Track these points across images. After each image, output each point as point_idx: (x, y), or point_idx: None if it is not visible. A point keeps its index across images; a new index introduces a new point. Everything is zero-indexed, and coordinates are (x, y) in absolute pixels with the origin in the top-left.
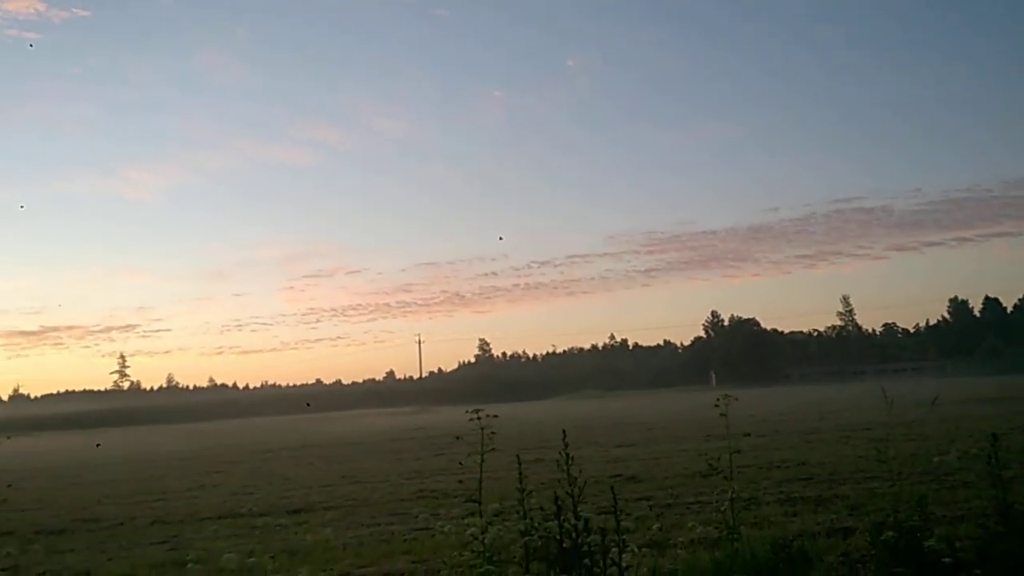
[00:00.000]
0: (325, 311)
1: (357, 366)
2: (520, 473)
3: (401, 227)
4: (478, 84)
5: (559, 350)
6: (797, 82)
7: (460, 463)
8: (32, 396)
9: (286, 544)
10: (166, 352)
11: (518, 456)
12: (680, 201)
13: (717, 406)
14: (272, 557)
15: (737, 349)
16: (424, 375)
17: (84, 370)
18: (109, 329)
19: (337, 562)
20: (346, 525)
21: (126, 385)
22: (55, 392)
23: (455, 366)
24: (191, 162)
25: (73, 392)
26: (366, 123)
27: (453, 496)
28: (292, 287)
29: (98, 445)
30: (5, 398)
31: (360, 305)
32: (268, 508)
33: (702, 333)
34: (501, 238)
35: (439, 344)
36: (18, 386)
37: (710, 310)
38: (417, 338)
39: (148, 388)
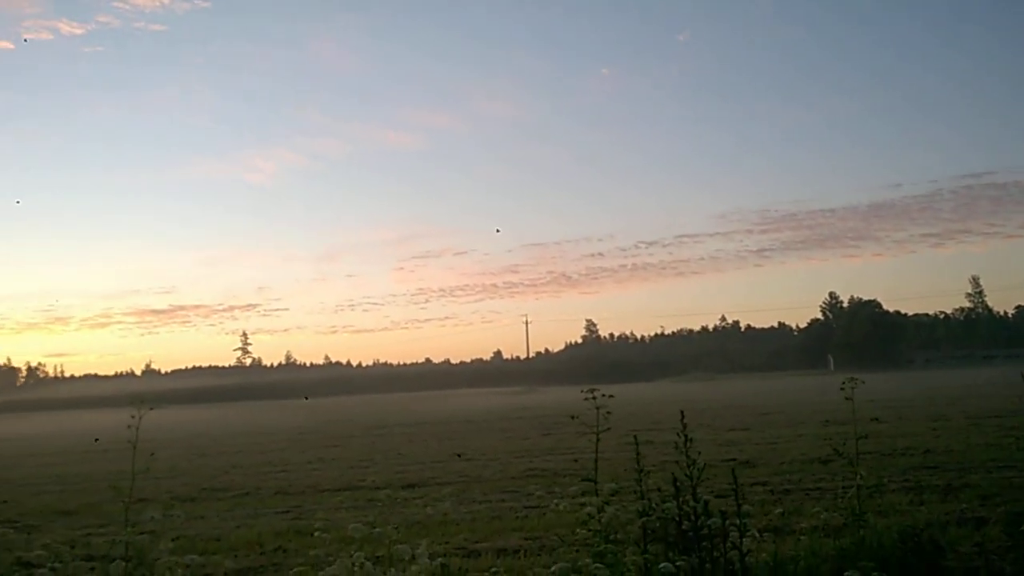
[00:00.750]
0: (434, 291)
1: (465, 346)
2: (637, 453)
3: (508, 208)
4: (586, 63)
5: (667, 331)
6: (921, 53)
7: (576, 438)
8: (163, 371)
9: (403, 517)
10: (284, 330)
11: (635, 436)
12: (795, 178)
13: (843, 389)
14: (396, 528)
15: (857, 332)
16: (531, 355)
17: (210, 347)
18: (232, 308)
19: (452, 536)
20: (458, 501)
21: (248, 362)
22: (183, 368)
23: (562, 347)
24: (306, 147)
25: (200, 368)
26: (475, 106)
27: (563, 475)
28: (402, 268)
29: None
30: (139, 372)
31: (467, 286)
32: (384, 482)
33: (819, 315)
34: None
35: (546, 324)
36: (150, 361)
37: (828, 291)
38: (524, 319)
39: (268, 365)
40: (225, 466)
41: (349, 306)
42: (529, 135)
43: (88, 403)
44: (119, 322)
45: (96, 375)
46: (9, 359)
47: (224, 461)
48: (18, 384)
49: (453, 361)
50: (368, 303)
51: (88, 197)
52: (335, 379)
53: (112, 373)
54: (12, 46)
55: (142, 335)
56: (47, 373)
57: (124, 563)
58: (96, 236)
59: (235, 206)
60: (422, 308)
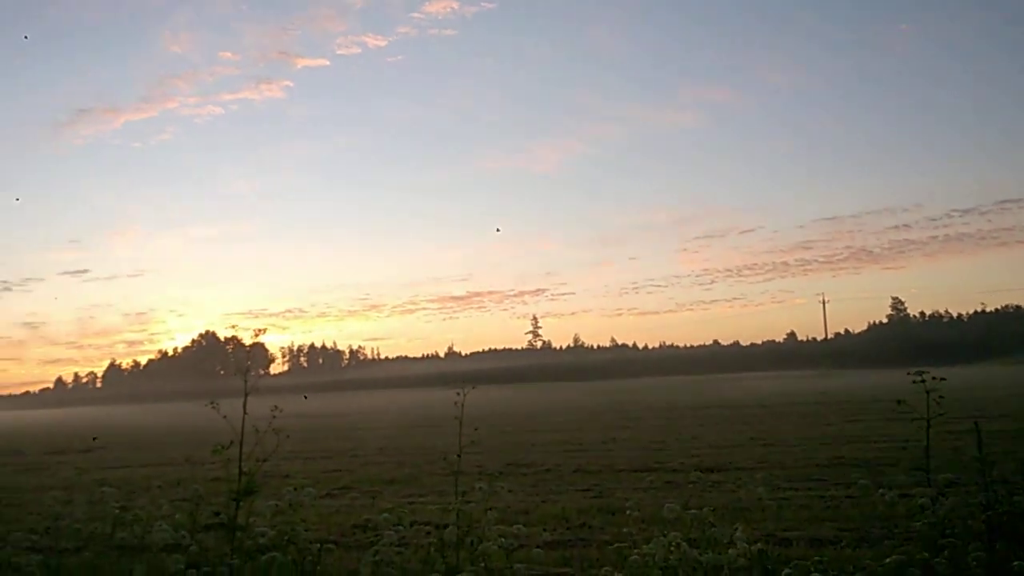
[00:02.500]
0: (720, 272)
1: (755, 327)
2: (979, 440)
3: (797, 182)
4: (882, 19)
5: (989, 308)
6: None
7: (887, 425)
8: (463, 353)
9: (706, 501)
10: (571, 314)
11: (976, 423)
12: None
13: None
14: (713, 510)
15: None
16: (828, 336)
17: (503, 330)
18: (522, 294)
19: (758, 523)
20: (759, 487)
21: (539, 344)
22: (481, 350)
23: (864, 327)
24: (587, 134)
25: (495, 350)
26: (758, 78)
27: (876, 464)
28: (686, 249)
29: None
30: (442, 355)
31: (756, 265)
32: (679, 464)
33: None
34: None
35: (845, 303)
36: (452, 344)
37: None
38: (820, 298)
39: (557, 347)
40: (524, 444)
41: (633, 289)
42: (818, 105)
43: (400, 383)
44: (424, 308)
45: (406, 357)
46: (335, 343)
47: (523, 439)
48: (343, 365)
49: (743, 343)
50: (652, 285)
51: (393, 194)
52: (621, 361)
53: (420, 355)
54: (327, 62)
55: (444, 320)
56: (366, 355)
57: (456, 528)
58: (402, 230)
59: (522, 195)
60: (707, 289)
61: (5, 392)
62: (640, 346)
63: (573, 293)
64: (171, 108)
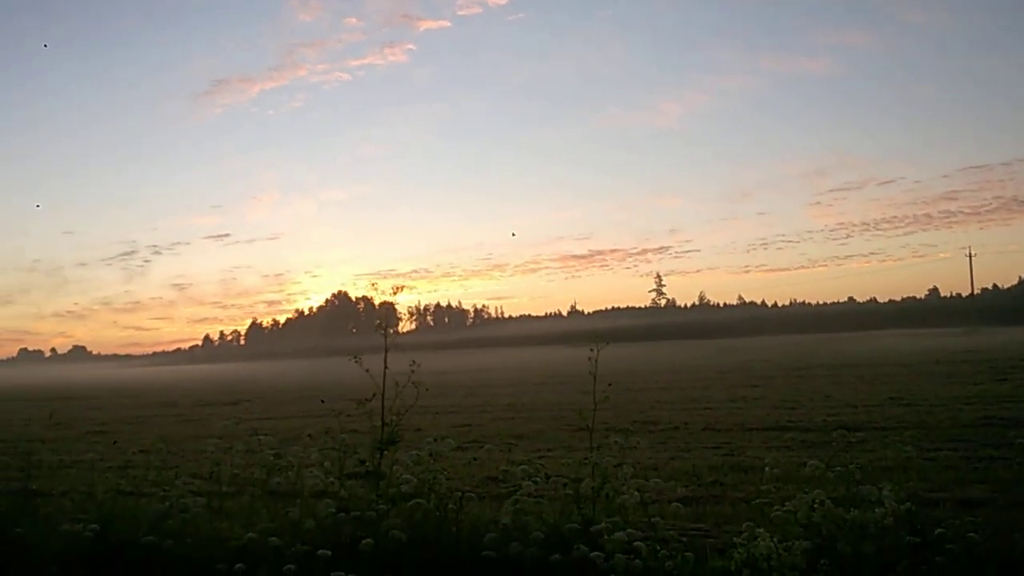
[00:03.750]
0: (855, 226)
1: (894, 283)
2: None
3: (941, 129)
4: None
5: None
6: None
7: None
8: (585, 312)
9: (844, 460)
10: (696, 271)
11: None
12: None
13: None
14: (860, 467)
15: None
16: (975, 292)
17: (626, 288)
18: (645, 251)
19: (904, 484)
20: (907, 446)
21: (663, 303)
22: (603, 308)
23: (1013, 281)
24: (712, 85)
25: (618, 308)
26: (896, 18)
27: None
28: (818, 202)
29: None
30: (565, 313)
31: (895, 218)
32: (813, 424)
33: None
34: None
35: (993, 257)
36: (575, 303)
37: None
38: (966, 251)
39: (682, 306)
40: (651, 401)
41: (762, 245)
42: (960, 43)
43: (523, 341)
44: (546, 267)
45: (529, 315)
46: (460, 302)
47: (649, 397)
48: (467, 324)
49: (880, 299)
50: (781, 241)
51: (515, 153)
52: (748, 319)
53: (542, 314)
54: (449, 24)
55: (566, 279)
56: (490, 314)
57: (592, 481)
58: (524, 190)
59: (645, 152)
60: (842, 244)
61: (159, 349)
62: (769, 304)
63: (698, 250)
64: (301, 76)
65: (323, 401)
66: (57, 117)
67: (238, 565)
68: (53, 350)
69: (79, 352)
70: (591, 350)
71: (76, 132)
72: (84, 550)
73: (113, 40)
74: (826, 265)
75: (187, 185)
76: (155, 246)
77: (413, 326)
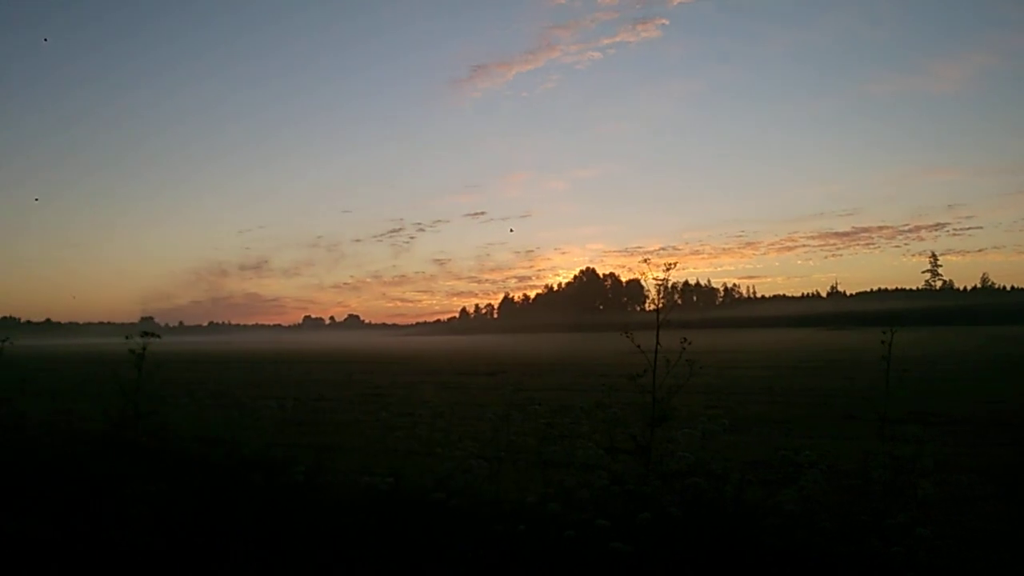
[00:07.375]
0: None
1: None
2: None
3: None
4: None
5: None
6: None
7: None
8: (847, 293)
9: None
10: (978, 251)
11: None
12: None
13: None
14: None
15: None
16: None
17: (895, 269)
18: (917, 228)
19: None
20: None
21: (938, 285)
22: (868, 290)
23: None
24: (998, 45)
25: (885, 290)
26: None
27: None
28: None
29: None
30: (823, 294)
31: None
32: None
33: None
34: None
35: None
36: (835, 283)
37: None
38: None
39: (960, 288)
40: (926, 391)
41: None
42: None
43: (777, 322)
44: (804, 245)
45: (784, 296)
46: (709, 280)
47: (923, 387)
48: (717, 303)
49: None
50: None
51: (772, 126)
52: None
53: (799, 294)
54: None
55: (826, 258)
56: (741, 293)
57: (884, 472)
58: (780, 164)
59: (918, 120)
60: None
61: (421, 319)
62: None
63: (980, 227)
64: (554, 57)
65: (603, 382)
66: (337, 109)
67: (520, 527)
68: (332, 318)
69: (353, 320)
70: (884, 332)
71: (352, 122)
72: (379, 501)
73: (384, 30)
74: None
75: (448, 166)
76: (419, 223)
77: (660, 304)
